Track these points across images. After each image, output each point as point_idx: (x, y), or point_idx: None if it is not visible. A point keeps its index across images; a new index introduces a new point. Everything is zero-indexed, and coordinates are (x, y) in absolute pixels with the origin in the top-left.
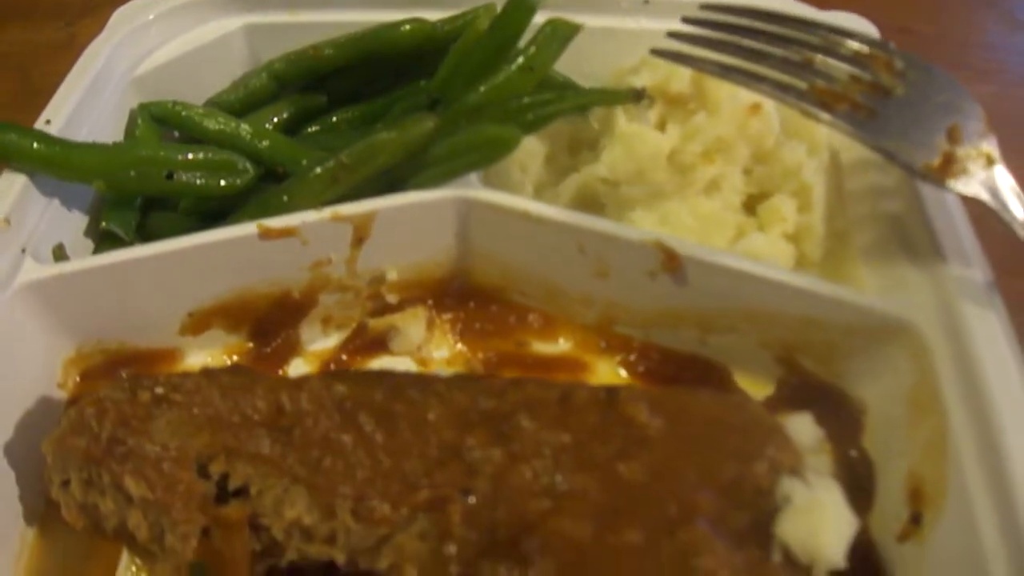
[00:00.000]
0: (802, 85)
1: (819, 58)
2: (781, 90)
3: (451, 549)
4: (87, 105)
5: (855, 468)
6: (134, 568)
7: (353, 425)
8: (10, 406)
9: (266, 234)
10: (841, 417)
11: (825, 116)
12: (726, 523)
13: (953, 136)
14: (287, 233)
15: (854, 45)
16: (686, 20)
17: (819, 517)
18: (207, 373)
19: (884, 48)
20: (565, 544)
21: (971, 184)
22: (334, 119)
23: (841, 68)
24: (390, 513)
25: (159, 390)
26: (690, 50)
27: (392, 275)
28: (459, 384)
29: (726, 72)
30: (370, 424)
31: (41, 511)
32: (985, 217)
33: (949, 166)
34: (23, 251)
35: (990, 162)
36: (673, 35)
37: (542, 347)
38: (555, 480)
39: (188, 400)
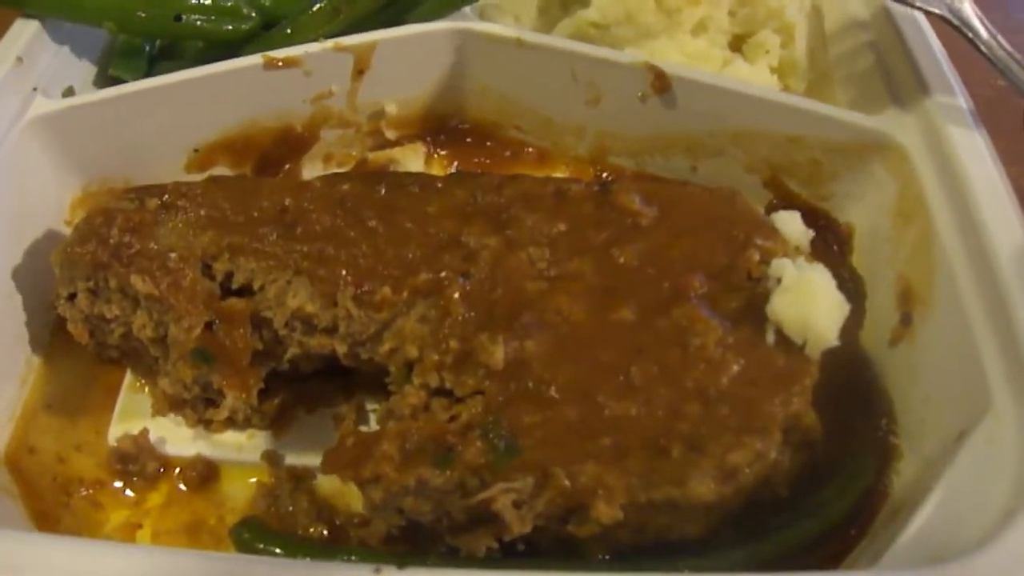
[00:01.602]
0: None
1: None
2: None
3: (450, 326)
4: None
5: (845, 287)
6: (136, 387)
7: (355, 218)
8: (20, 237)
9: (270, 64)
10: (829, 239)
11: None
12: (719, 305)
13: None
14: (291, 63)
15: None
16: None
17: (811, 297)
18: (214, 179)
19: None
20: (561, 320)
21: (933, 2)
22: None
23: None
24: (390, 297)
25: (166, 197)
26: None
27: (391, 109)
28: (458, 180)
29: None
30: (372, 217)
31: (47, 340)
32: None
33: None
34: (35, 89)
35: None
36: None
37: None
38: (550, 264)
39: (194, 204)
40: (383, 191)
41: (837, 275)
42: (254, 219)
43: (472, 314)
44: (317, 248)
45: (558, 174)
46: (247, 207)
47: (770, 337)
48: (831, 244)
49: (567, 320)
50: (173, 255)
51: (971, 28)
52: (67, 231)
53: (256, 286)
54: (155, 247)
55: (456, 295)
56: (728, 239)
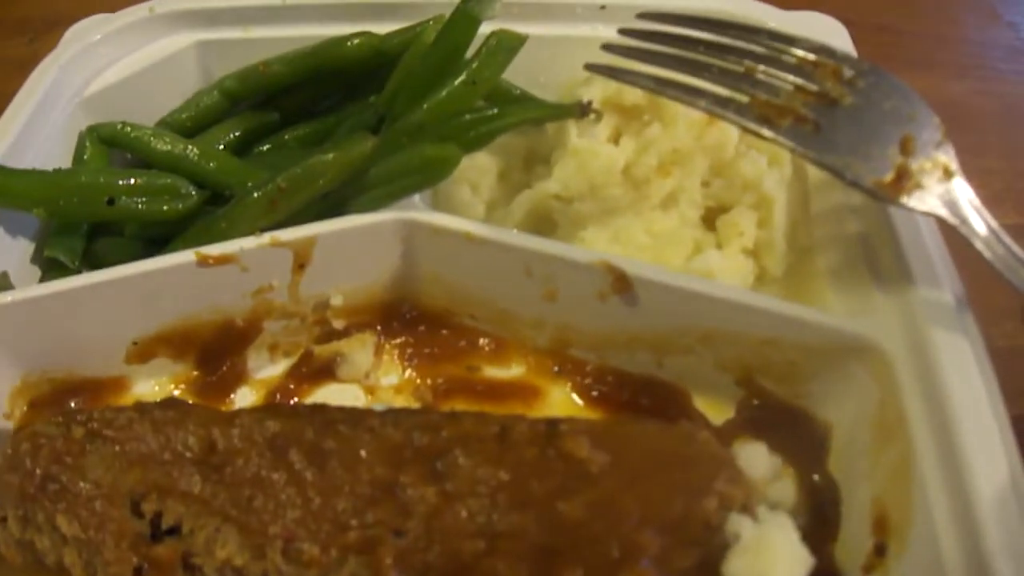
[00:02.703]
0: (743, 99)
1: (761, 68)
2: (720, 105)
3: None
4: (34, 127)
5: (819, 493)
6: None
7: (284, 463)
8: None
9: (204, 261)
10: (804, 440)
11: (767, 133)
12: (672, 562)
13: (906, 148)
14: (226, 260)
15: (799, 52)
16: (622, 32)
17: (769, 556)
18: (139, 408)
19: (831, 55)
20: None
21: (926, 199)
22: (286, 137)
23: (785, 78)
24: (320, 555)
25: (93, 425)
26: (626, 64)
27: (337, 300)
28: (393, 419)
29: (662, 87)
30: (301, 461)
31: None
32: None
33: (903, 181)
34: None
35: (947, 174)
36: (608, 47)
37: (494, 372)
38: (491, 519)
39: (120, 436)
40: (312, 432)
41: (811, 480)
42: (181, 457)
43: None
44: (245, 494)
45: (516, 367)
46: (174, 443)
47: None
48: (807, 445)
49: None
50: (100, 494)
51: (968, 226)
52: (6, 426)
53: (185, 529)
54: (81, 484)
55: (389, 558)
56: (685, 485)
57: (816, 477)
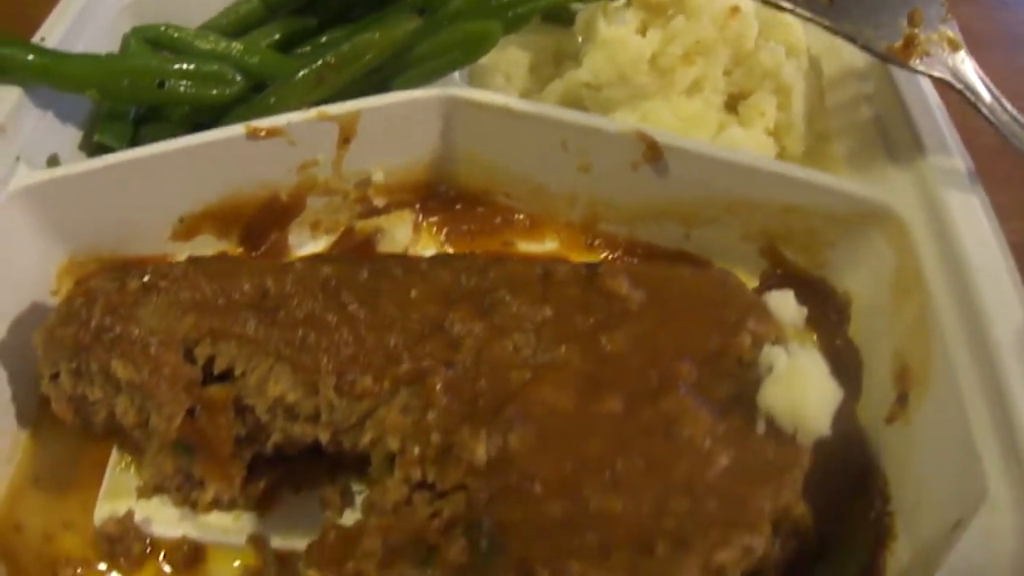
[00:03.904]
0: None
1: None
2: None
3: (432, 418)
4: (80, 26)
5: (842, 357)
6: (123, 465)
7: (337, 304)
8: (4, 312)
9: (253, 134)
10: (826, 308)
11: (786, 4)
12: (708, 393)
13: (913, 19)
14: (274, 133)
15: None
16: None
17: (802, 385)
18: (194, 260)
19: None
20: (546, 412)
21: (935, 65)
22: (323, 40)
23: None
24: (372, 386)
25: (147, 278)
26: None
27: (378, 176)
28: (442, 262)
29: None
30: (354, 302)
31: (33, 416)
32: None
33: (911, 48)
34: (17, 159)
35: (953, 46)
36: None
37: (529, 247)
38: (536, 352)
39: (175, 286)
40: (365, 275)
41: (833, 345)
42: (235, 303)
43: (455, 404)
44: (299, 334)
45: (549, 242)
46: (228, 290)
47: (760, 426)
48: (828, 313)
49: (552, 412)
50: (154, 340)
51: (974, 91)
52: (54, 302)
53: (237, 372)
54: (136, 331)
55: (439, 385)
56: (719, 323)
57: (838, 342)
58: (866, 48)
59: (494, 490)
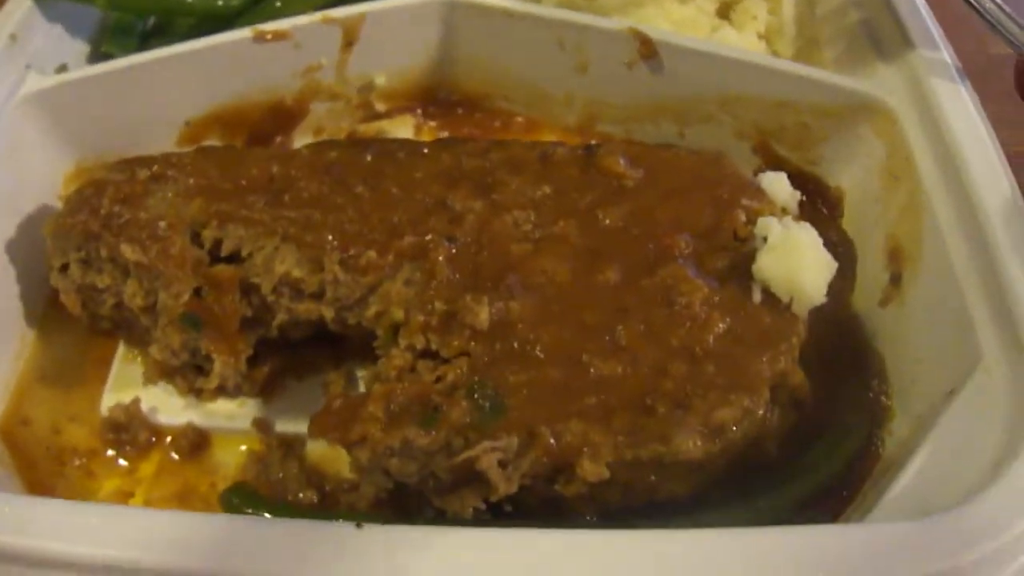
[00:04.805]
0: None
1: None
2: None
3: (435, 288)
4: None
5: (836, 250)
6: (129, 358)
7: (342, 185)
8: (13, 212)
9: (260, 37)
10: (819, 203)
11: None
12: (705, 265)
13: None
14: (280, 36)
15: None
16: None
17: (797, 254)
18: (203, 149)
19: None
20: (546, 280)
21: None
22: None
23: None
24: (376, 260)
25: (155, 167)
26: None
27: (381, 81)
28: (444, 145)
29: None
30: (359, 183)
31: (41, 313)
32: None
33: None
34: (28, 67)
35: None
36: None
37: None
38: (536, 227)
39: (183, 173)
40: (370, 158)
41: (828, 239)
42: (242, 187)
43: (457, 276)
44: (304, 214)
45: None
46: (235, 175)
47: (756, 296)
48: (821, 208)
49: (552, 281)
50: (162, 223)
51: None
52: (61, 206)
53: (244, 253)
54: (144, 216)
55: (441, 258)
56: (714, 200)
57: (832, 235)
58: None
59: (496, 355)
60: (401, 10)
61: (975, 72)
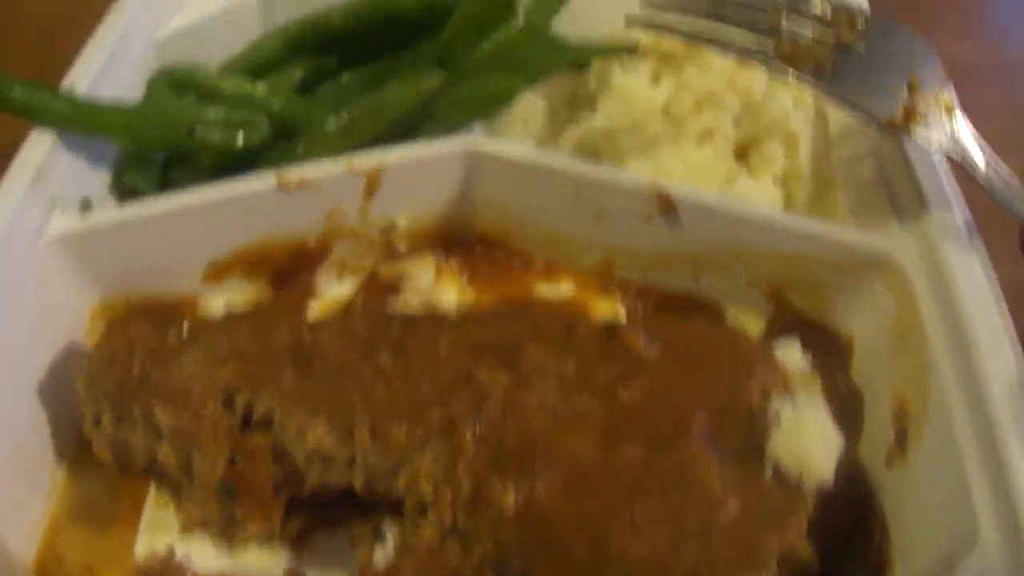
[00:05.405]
0: (769, 47)
1: (785, 20)
2: (749, 53)
3: (462, 466)
4: (108, 71)
5: (843, 399)
6: (161, 501)
7: (370, 357)
8: (42, 352)
9: (284, 185)
10: (829, 351)
11: (791, 75)
12: (720, 441)
13: (912, 88)
14: (304, 184)
15: (818, 5)
16: None
17: (807, 434)
18: (231, 316)
19: (846, 7)
20: (569, 459)
21: (931, 135)
22: (344, 79)
23: (806, 27)
24: (406, 435)
25: (187, 328)
26: (661, 16)
27: (402, 223)
28: (467, 317)
29: (696, 38)
30: (386, 356)
31: (71, 452)
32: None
33: (910, 118)
34: (53, 204)
35: (948, 111)
36: (645, 1)
37: (545, 290)
38: (559, 402)
39: (213, 337)
40: (396, 329)
41: (835, 387)
42: (272, 354)
43: (484, 453)
44: (334, 385)
45: (565, 284)
46: (265, 342)
47: (768, 472)
48: (831, 356)
49: (575, 459)
50: (195, 388)
51: (969, 161)
52: (87, 343)
53: (275, 420)
54: (178, 378)
55: (468, 435)
56: (729, 375)
57: (840, 385)
58: (867, 119)
59: (522, 534)
60: (423, 160)
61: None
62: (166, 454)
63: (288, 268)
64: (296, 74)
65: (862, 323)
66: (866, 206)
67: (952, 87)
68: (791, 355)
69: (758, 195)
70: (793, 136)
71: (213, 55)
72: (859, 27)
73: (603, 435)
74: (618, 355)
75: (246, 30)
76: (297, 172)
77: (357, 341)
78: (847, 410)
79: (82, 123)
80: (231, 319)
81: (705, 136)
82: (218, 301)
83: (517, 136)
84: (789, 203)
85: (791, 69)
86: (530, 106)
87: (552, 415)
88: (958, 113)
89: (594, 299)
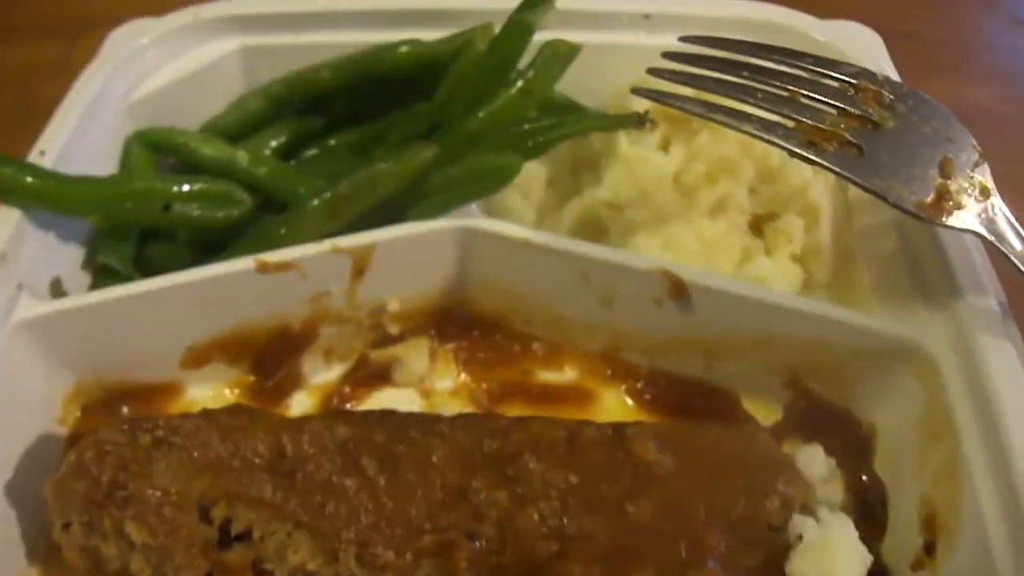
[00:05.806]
0: (788, 124)
1: (805, 93)
2: (767, 130)
3: None
4: (81, 133)
5: (866, 493)
6: None
7: (355, 468)
8: (10, 444)
9: (264, 268)
10: (851, 441)
11: (813, 157)
12: (737, 561)
13: (945, 169)
14: (286, 267)
15: (841, 76)
16: (666, 55)
17: (831, 555)
18: (206, 414)
19: (872, 79)
20: None
21: (965, 219)
22: (332, 143)
23: (829, 102)
24: (395, 559)
25: (159, 433)
26: (672, 88)
27: (393, 306)
28: (463, 424)
29: (709, 112)
30: (373, 467)
31: (43, 550)
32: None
33: (942, 202)
34: (19, 287)
35: (984, 193)
36: (653, 71)
37: (548, 376)
38: (563, 522)
39: (188, 443)
40: (383, 437)
41: (858, 479)
42: (251, 464)
43: None
44: (317, 500)
45: (569, 370)
46: (242, 450)
47: None
48: (853, 446)
49: None
50: (169, 500)
51: (1005, 241)
52: (61, 431)
53: (256, 535)
54: (150, 491)
55: (464, 560)
56: (748, 486)
57: (863, 477)
58: (896, 206)
59: None
60: (414, 238)
61: None
62: (139, 569)
63: (271, 353)
64: (281, 136)
65: (886, 412)
66: (890, 285)
67: (987, 168)
68: (813, 461)
69: (776, 274)
70: (814, 208)
71: (193, 116)
72: (886, 102)
73: (611, 558)
74: (626, 466)
75: (228, 89)
76: (279, 254)
77: (341, 450)
78: (870, 505)
79: (50, 199)
80: (206, 418)
81: (718, 208)
82: (200, 388)
83: (516, 207)
84: (808, 282)
85: (813, 152)
86: (529, 175)
87: (554, 536)
88: (994, 197)
89: (599, 386)
